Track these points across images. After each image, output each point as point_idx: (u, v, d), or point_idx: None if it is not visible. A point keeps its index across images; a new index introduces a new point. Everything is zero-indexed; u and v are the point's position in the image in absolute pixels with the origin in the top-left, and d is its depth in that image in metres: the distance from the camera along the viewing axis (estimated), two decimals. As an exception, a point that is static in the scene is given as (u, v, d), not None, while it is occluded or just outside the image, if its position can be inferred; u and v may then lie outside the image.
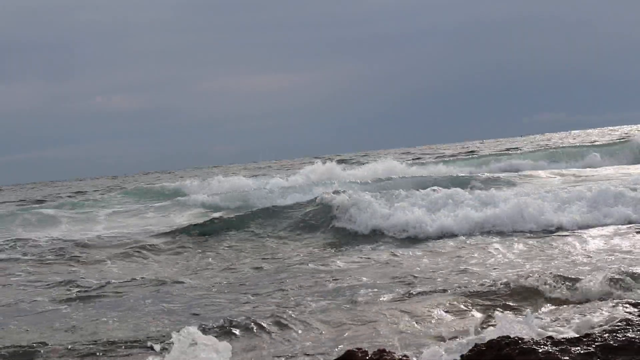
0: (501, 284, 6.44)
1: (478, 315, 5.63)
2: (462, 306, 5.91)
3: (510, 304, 5.87)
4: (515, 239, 9.46)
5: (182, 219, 15.66)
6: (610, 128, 65.54)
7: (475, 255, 8.52)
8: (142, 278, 8.63)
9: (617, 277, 5.95)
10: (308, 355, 5.02)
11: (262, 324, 5.78)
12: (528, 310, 5.42)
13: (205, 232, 12.23)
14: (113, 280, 8.52)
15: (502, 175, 18.58)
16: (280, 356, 5.05)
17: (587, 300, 5.62)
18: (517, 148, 31.83)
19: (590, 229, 9.68)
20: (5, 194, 40.33)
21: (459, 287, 6.63)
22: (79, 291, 7.96)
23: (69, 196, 27.63)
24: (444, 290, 6.52)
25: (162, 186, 23.54)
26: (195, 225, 12.78)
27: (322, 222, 12.03)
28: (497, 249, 8.83)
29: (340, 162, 30.56)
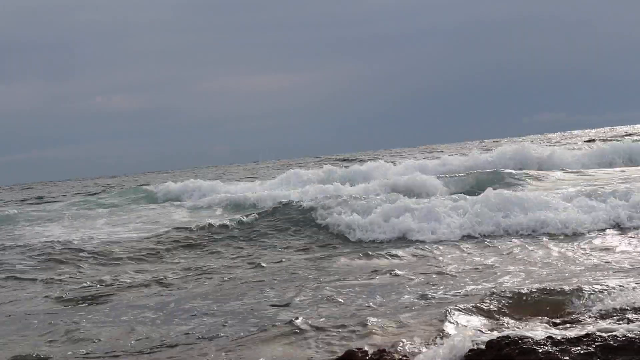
0: (505, 288, 6.41)
1: (482, 319, 5.61)
2: (464, 310, 5.87)
3: (517, 308, 5.78)
4: (526, 242, 9.25)
5: (181, 216, 15.69)
6: (610, 128, 65.53)
7: (478, 258, 8.52)
8: (142, 279, 8.65)
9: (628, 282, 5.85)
10: (310, 356, 5.03)
11: (267, 325, 5.81)
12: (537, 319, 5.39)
13: (204, 233, 12.22)
14: (114, 281, 8.54)
15: (514, 171, 18.49)
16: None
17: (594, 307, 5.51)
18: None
19: (605, 231, 9.53)
20: (5, 193, 40.31)
21: (463, 289, 6.64)
22: (80, 292, 7.97)
23: (73, 194, 27.66)
24: (450, 294, 6.51)
25: (161, 187, 23.53)
26: (193, 225, 12.76)
27: (322, 223, 12.02)
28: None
29: (343, 160, 30.53)
